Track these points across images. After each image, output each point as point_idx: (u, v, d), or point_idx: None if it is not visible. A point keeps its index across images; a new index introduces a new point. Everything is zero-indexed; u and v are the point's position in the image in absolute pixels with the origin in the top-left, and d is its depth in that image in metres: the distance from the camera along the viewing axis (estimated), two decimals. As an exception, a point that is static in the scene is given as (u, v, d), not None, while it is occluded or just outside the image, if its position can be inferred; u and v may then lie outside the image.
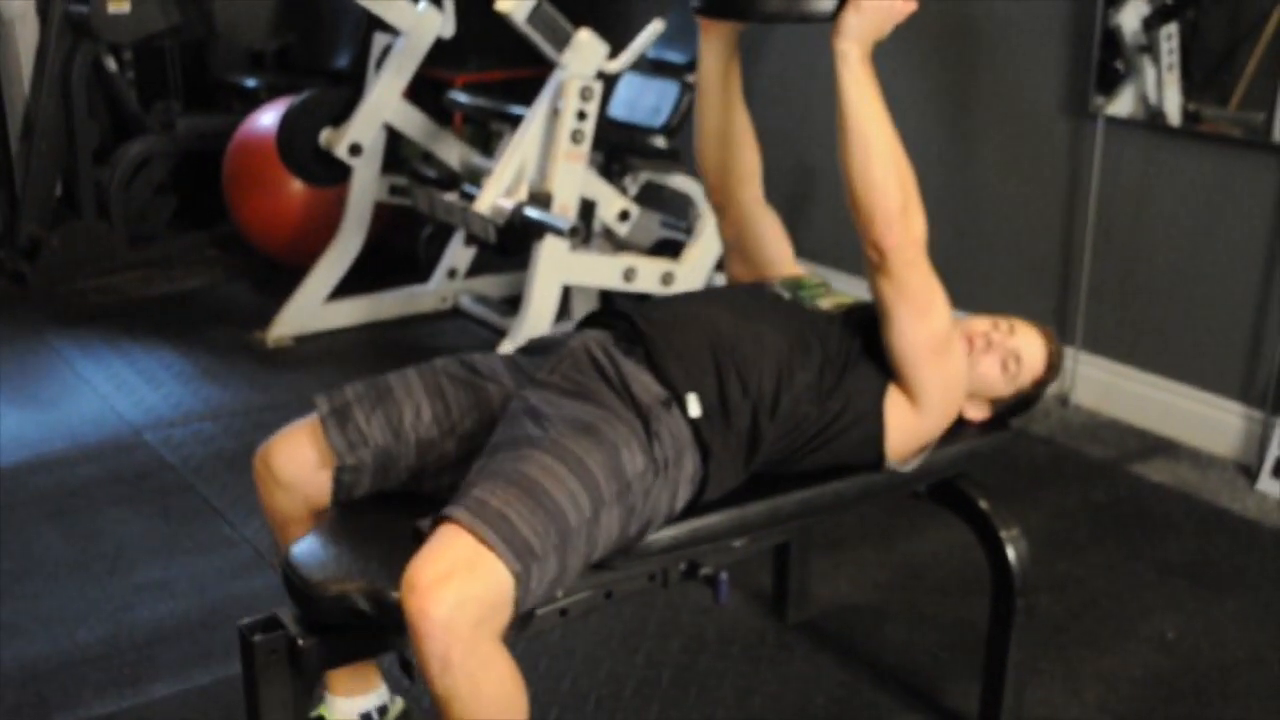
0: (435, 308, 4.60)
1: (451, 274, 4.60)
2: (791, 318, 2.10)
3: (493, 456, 1.80)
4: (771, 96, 4.75)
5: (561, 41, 3.49)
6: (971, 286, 4.16)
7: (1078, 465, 3.56)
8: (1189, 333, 3.66)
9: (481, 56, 5.45)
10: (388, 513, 2.00)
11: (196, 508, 3.19)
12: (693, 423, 1.94)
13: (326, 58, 5.49)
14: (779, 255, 2.37)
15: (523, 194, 3.47)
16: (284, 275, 4.57)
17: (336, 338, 4.39)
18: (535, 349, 2.12)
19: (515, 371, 2.06)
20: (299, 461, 1.99)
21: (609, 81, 3.89)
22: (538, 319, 3.52)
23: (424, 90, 5.05)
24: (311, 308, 4.35)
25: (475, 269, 4.65)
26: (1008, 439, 2.38)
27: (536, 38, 3.44)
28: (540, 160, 3.53)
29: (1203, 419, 3.63)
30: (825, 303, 2.20)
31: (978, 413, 2.27)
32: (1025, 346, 2.28)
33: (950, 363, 2.11)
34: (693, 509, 2.00)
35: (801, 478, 2.12)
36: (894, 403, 2.07)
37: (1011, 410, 2.33)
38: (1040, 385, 2.31)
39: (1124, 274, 3.78)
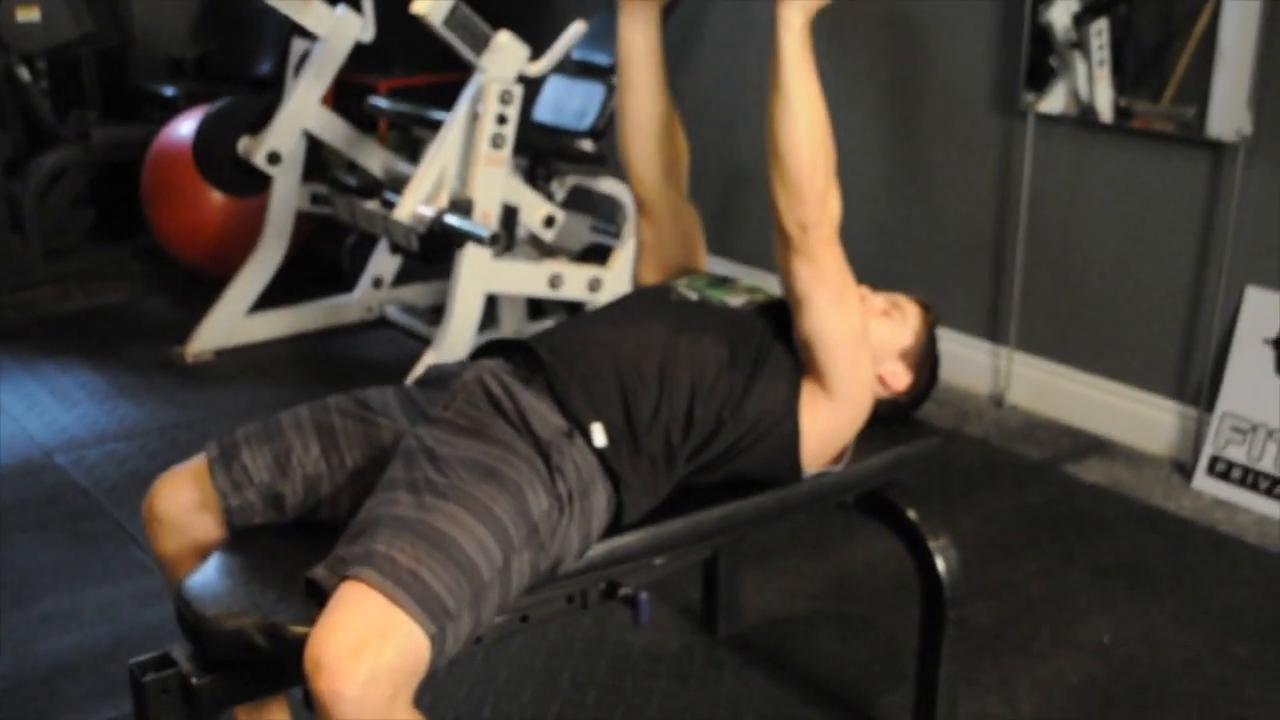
0: (361, 318, 4.50)
1: (377, 283, 4.50)
2: (700, 321, 2.03)
3: (392, 499, 1.71)
4: (701, 96, 4.68)
5: (480, 44, 3.40)
6: (901, 285, 4.09)
7: (1012, 466, 3.51)
8: (1122, 330, 3.62)
9: (407, 60, 5.35)
10: (284, 542, 1.91)
11: (108, 532, 3.08)
12: (599, 452, 1.86)
13: (247, 64, 5.37)
14: (694, 256, 2.30)
15: (443, 201, 3.39)
16: (205, 288, 4.45)
17: (259, 351, 4.28)
18: (431, 381, 2.04)
19: (408, 406, 1.98)
20: (183, 504, 1.93)
21: (531, 85, 3.81)
22: (461, 329, 3.43)
23: (348, 96, 4.96)
24: (232, 321, 4.23)
25: (401, 278, 4.55)
26: (935, 445, 2.33)
27: (454, 40, 3.36)
28: (461, 166, 3.44)
29: (1137, 417, 3.59)
30: (734, 299, 2.13)
31: (900, 379, 2.20)
32: (893, 295, 2.26)
33: (864, 355, 2.05)
34: (610, 530, 1.93)
35: (723, 490, 2.05)
36: (809, 400, 2.00)
37: (926, 359, 2.25)
38: (929, 323, 2.27)
39: (1057, 272, 3.74)
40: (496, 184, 3.40)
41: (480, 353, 2.07)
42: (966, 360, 3.94)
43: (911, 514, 2.28)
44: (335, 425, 1.95)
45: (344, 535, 1.71)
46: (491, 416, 1.86)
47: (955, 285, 4.02)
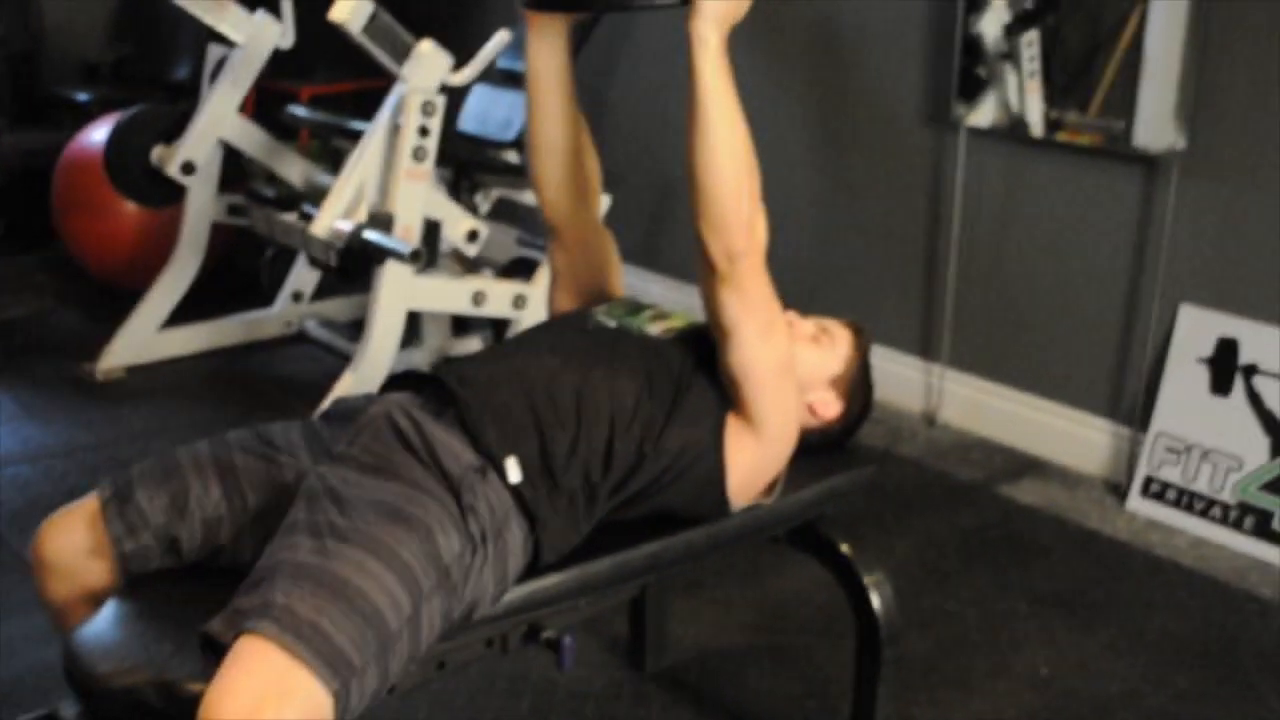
0: (280, 333, 4.36)
1: (296, 297, 4.37)
2: (618, 351, 1.94)
3: (292, 544, 1.61)
4: (629, 105, 4.60)
5: (401, 53, 3.29)
6: (832, 301, 4.04)
7: (946, 488, 3.45)
8: (1056, 348, 3.57)
9: (330, 66, 5.22)
10: (182, 589, 1.80)
11: (6, 563, 2.93)
12: (513, 489, 1.77)
13: (165, 69, 5.22)
14: (611, 282, 2.20)
15: (362, 215, 3.27)
16: (119, 301, 4.28)
17: (173, 368, 4.13)
18: (337, 415, 1.93)
19: (313, 443, 1.87)
20: (74, 548, 1.82)
21: (455, 94, 3.70)
22: (381, 348, 3.31)
23: (270, 103, 4.82)
24: (145, 336, 4.09)
25: (321, 291, 4.42)
26: (869, 475, 2.25)
27: (374, 49, 3.24)
28: (381, 179, 3.32)
29: (1071, 437, 3.54)
30: (654, 327, 2.04)
31: (830, 408, 2.12)
32: (823, 320, 2.18)
33: (790, 387, 1.97)
34: (530, 571, 1.83)
35: (649, 525, 1.96)
36: (733, 433, 1.92)
37: (858, 388, 2.18)
38: (861, 348, 2.18)
39: (989, 288, 3.69)
40: (418, 198, 3.29)
41: (389, 386, 1.96)
42: (898, 378, 3.88)
43: (845, 548, 2.21)
44: (237, 463, 1.85)
45: (243, 584, 1.61)
46: (399, 453, 1.76)
47: (886, 301, 3.96)
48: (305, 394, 3.69)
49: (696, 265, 1.87)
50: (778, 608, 2.84)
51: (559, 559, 1.84)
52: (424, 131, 3.27)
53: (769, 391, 1.90)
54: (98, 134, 4.38)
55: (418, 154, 3.27)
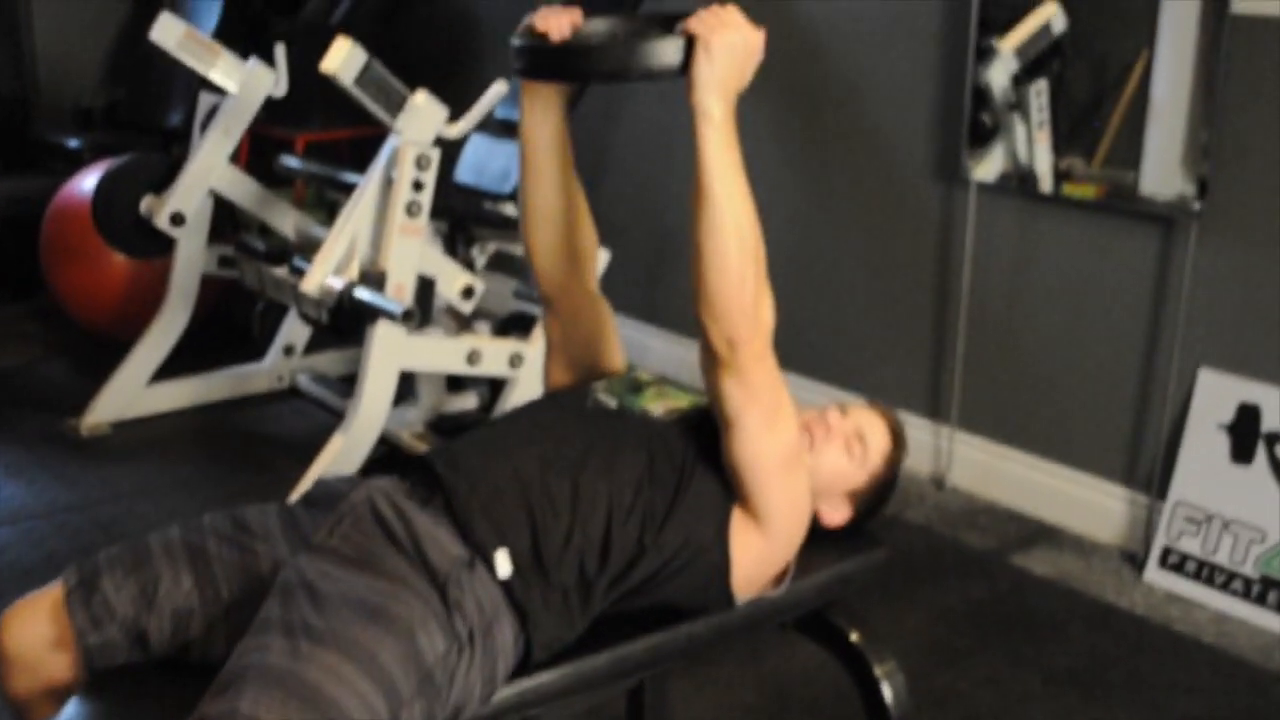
0: (271, 387, 4.25)
1: (288, 351, 4.26)
2: (620, 435, 1.83)
3: (263, 644, 1.50)
4: (629, 156, 4.51)
5: (395, 105, 3.19)
6: (839, 363, 3.95)
7: (956, 557, 3.33)
8: (1069, 411, 3.46)
9: (326, 113, 5.11)
10: (148, 688, 1.70)
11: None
12: (503, 584, 1.66)
13: (158, 115, 5.12)
14: (609, 355, 2.08)
15: (354, 272, 3.16)
16: (108, 352, 4.16)
17: (160, 424, 4.02)
18: (317, 499, 1.82)
19: (291, 529, 1.76)
20: (36, 640, 1.71)
21: (452, 145, 3.61)
22: (373, 409, 3.20)
23: (265, 150, 4.73)
24: (132, 391, 3.97)
25: (314, 344, 4.31)
26: (879, 560, 2.14)
27: (367, 101, 3.15)
28: (374, 234, 3.22)
29: (1085, 503, 3.43)
30: (657, 406, 1.93)
31: (837, 514, 2.01)
32: (864, 424, 2.01)
33: (799, 478, 1.85)
34: (521, 669, 1.72)
35: (648, 617, 1.85)
36: (739, 528, 1.81)
37: (873, 502, 2.05)
38: (893, 464, 2.03)
39: (1000, 348, 3.58)
40: (411, 255, 3.19)
41: (372, 468, 1.85)
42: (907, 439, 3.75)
43: (855, 636, 2.09)
44: (209, 551, 1.74)
45: (212, 686, 1.50)
46: (382, 544, 1.65)
47: (894, 359, 3.85)
48: (296, 452, 3.58)
49: (700, 349, 1.76)
50: (781, 689, 2.72)
51: (552, 655, 1.73)
52: (418, 186, 3.17)
53: (775, 485, 1.79)
54: (87, 182, 4.28)
55: (411, 209, 3.17)
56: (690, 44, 1.66)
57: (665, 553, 1.76)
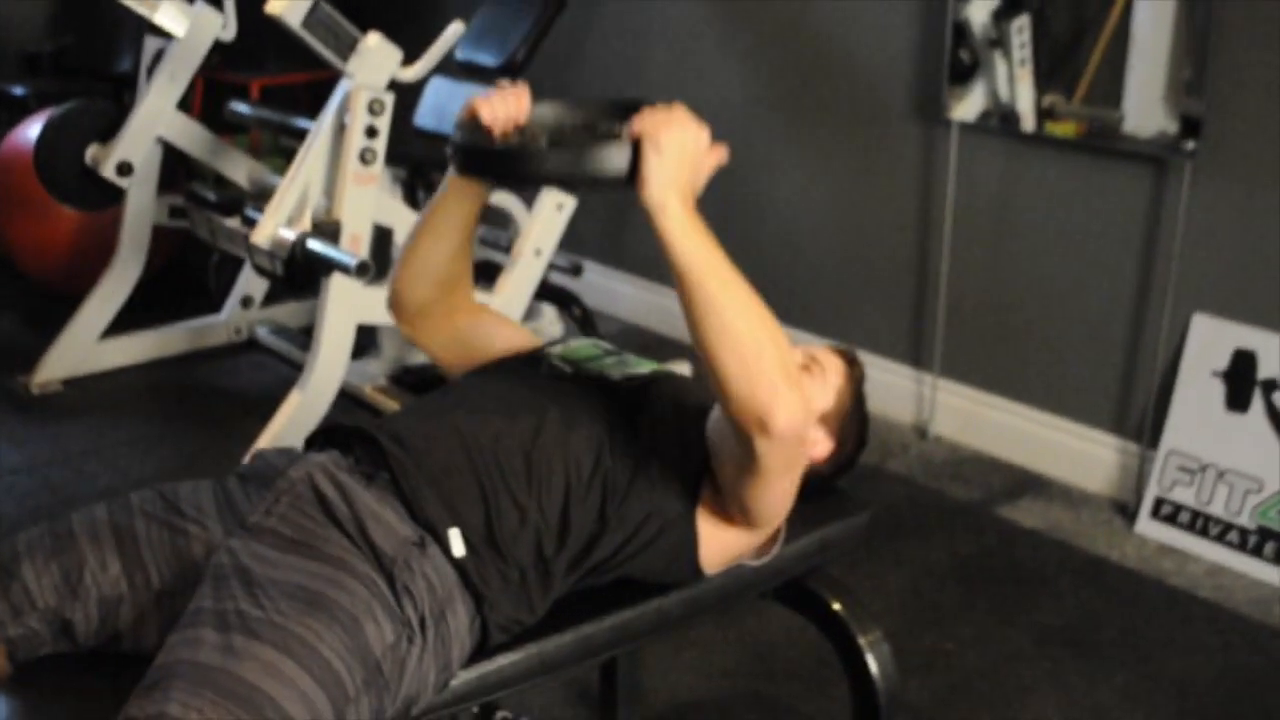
0: (229, 340, 4.10)
1: (246, 302, 4.10)
2: (575, 402, 1.69)
3: (195, 638, 1.37)
4: (598, 80, 4.34)
5: (346, 47, 3.02)
6: (818, 308, 3.81)
7: (940, 509, 3.21)
8: (1057, 358, 3.34)
9: (282, 57, 4.93)
10: (75, 681, 1.56)
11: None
12: (457, 564, 1.52)
13: (107, 60, 4.93)
14: (516, 342, 1.93)
15: (306, 223, 3.01)
16: (62, 308, 3.98)
17: (114, 380, 3.86)
18: (253, 475, 1.68)
19: (226, 508, 1.62)
20: None
21: (410, 88, 3.44)
22: (330, 365, 3.05)
23: (220, 96, 4.55)
24: (83, 347, 3.82)
25: (273, 296, 4.15)
26: (862, 524, 2.02)
27: (315, 43, 2.98)
28: (327, 183, 3.06)
29: (1073, 452, 3.31)
30: (616, 373, 1.79)
31: (819, 446, 1.86)
32: (809, 349, 1.89)
33: (796, 477, 1.70)
34: (480, 652, 1.59)
35: (615, 592, 1.72)
36: (711, 507, 1.68)
37: (850, 427, 1.91)
38: (855, 381, 1.90)
39: (985, 293, 3.45)
40: (367, 204, 3.03)
41: (314, 441, 1.71)
42: (888, 387, 3.64)
43: (837, 605, 1.96)
44: (138, 533, 1.59)
45: (139, 685, 1.36)
46: (323, 525, 1.51)
47: (875, 306, 3.72)
48: (255, 408, 3.44)
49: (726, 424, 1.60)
50: (761, 652, 2.60)
51: (512, 638, 1.61)
52: (372, 132, 3.01)
53: (773, 494, 1.65)
54: (31, 131, 4.09)
55: (365, 156, 3.01)
56: (638, 146, 1.53)
57: (627, 527, 1.63)
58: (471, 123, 1.65)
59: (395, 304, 1.90)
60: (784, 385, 1.49)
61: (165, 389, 3.85)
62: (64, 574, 1.56)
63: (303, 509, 1.52)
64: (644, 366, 1.85)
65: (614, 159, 1.53)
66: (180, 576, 1.56)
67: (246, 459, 1.76)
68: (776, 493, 1.65)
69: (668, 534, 1.66)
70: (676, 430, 1.70)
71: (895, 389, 3.66)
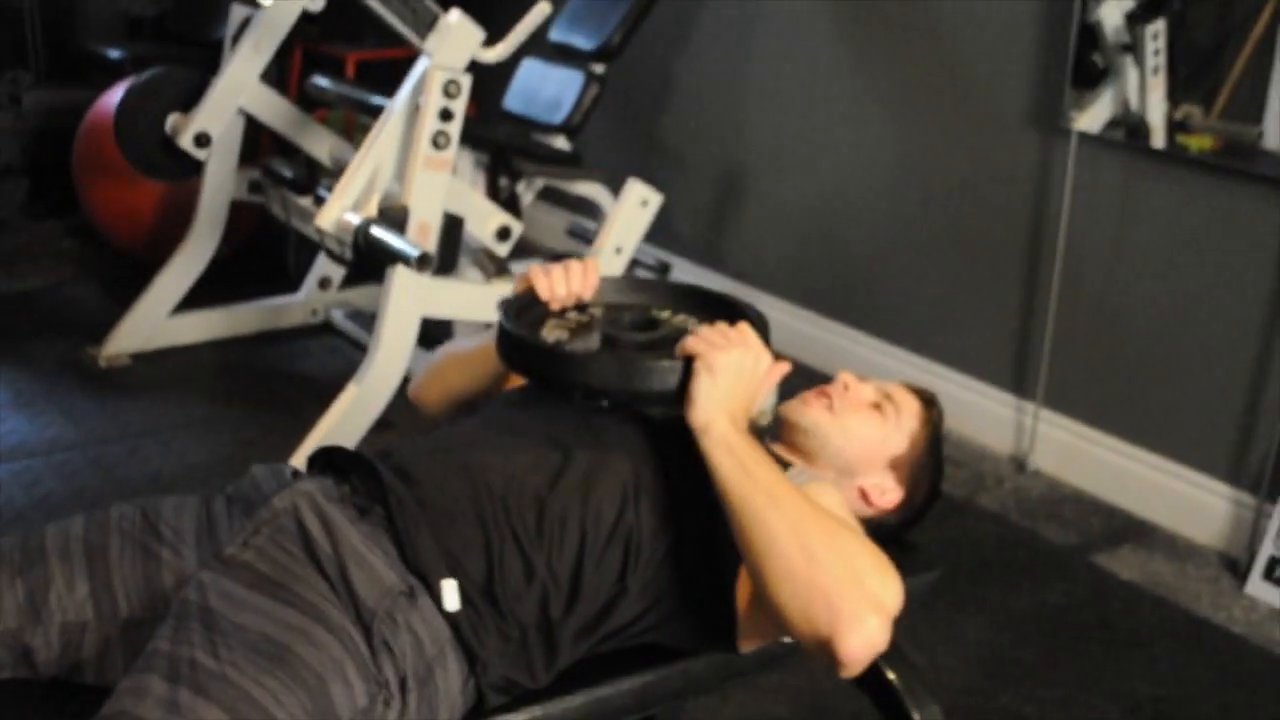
0: (304, 321, 3.99)
1: (324, 284, 3.98)
2: (608, 444, 1.50)
3: (142, 687, 1.24)
4: (695, 84, 4.14)
5: (425, 24, 2.87)
6: (915, 327, 3.59)
7: (1032, 552, 2.98)
8: (1170, 395, 3.07)
9: (380, 30, 4.78)
10: (33, 713, 1.42)
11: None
12: (449, 617, 1.35)
13: (206, 26, 4.84)
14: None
15: (372, 208, 2.86)
16: (144, 279, 3.86)
17: (183, 357, 3.77)
18: (242, 496, 1.52)
19: (206, 533, 1.47)
20: None
21: (502, 70, 3.29)
22: (391, 361, 2.90)
23: (315, 68, 4.45)
24: (155, 321, 3.72)
25: (352, 278, 4.02)
26: (929, 584, 1.80)
27: (391, 18, 2.83)
28: (397, 167, 2.91)
29: (1182, 499, 3.05)
30: (657, 409, 1.61)
31: (886, 495, 1.68)
32: (883, 385, 1.71)
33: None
34: (475, 715, 1.42)
35: (635, 649, 1.53)
36: (750, 591, 1.48)
37: (923, 472, 1.71)
38: (930, 424, 1.70)
39: (1096, 320, 3.19)
40: (437, 191, 2.88)
41: (315, 461, 1.55)
42: (986, 414, 3.40)
43: (891, 676, 1.75)
44: (110, 555, 1.45)
45: (83, 731, 1.22)
46: (302, 564, 1.35)
47: (977, 326, 3.48)
48: (323, 393, 3.29)
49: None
50: (818, 700, 2.40)
51: (512, 699, 1.43)
52: (446, 115, 2.85)
53: None
54: (117, 96, 4.01)
55: (438, 140, 2.85)
56: (690, 364, 1.43)
57: (650, 594, 1.44)
58: (525, 298, 1.57)
59: (412, 398, 1.83)
60: (851, 605, 1.28)
61: (233, 369, 3.74)
62: (29, 593, 1.42)
63: (282, 543, 1.36)
64: None
65: (663, 380, 1.44)
66: (148, 606, 1.42)
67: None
68: None
69: (698, 606, 1.47)
70: None
71: (994, 416, 3.42)
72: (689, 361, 1.42)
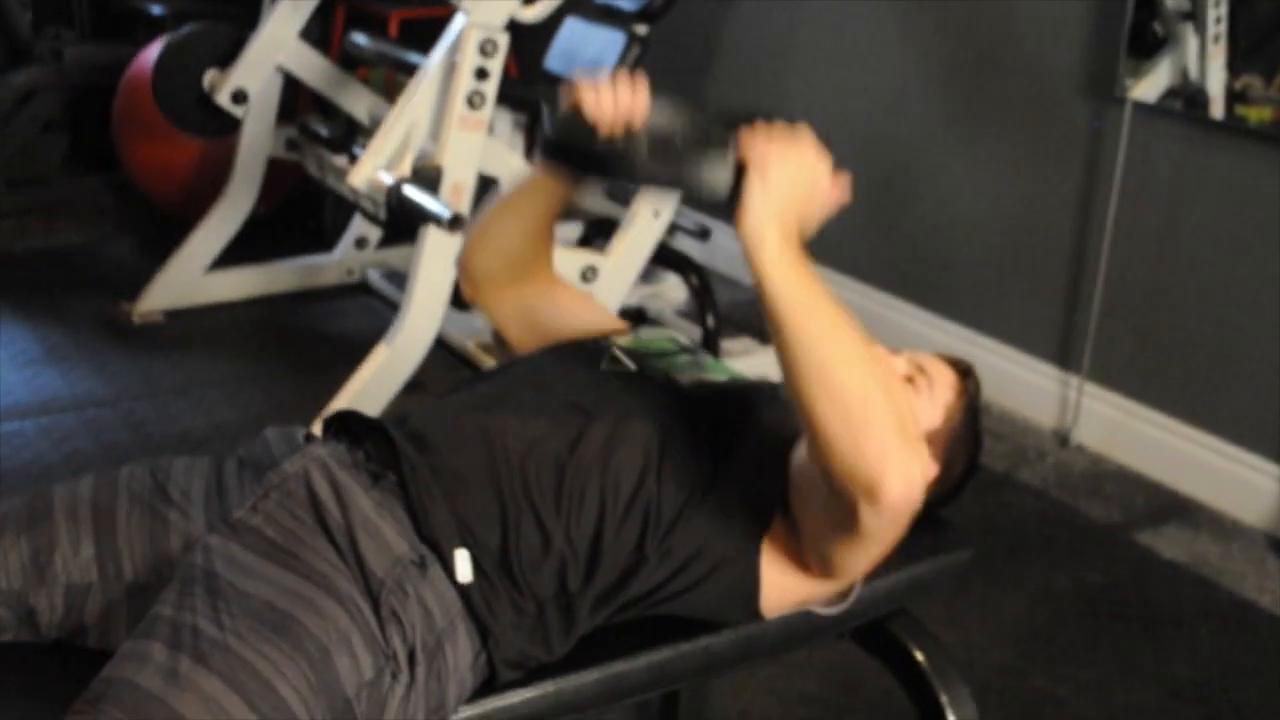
0: (340, 281, 3.96)
1: (360, 243, 3.95)
2: (630, 409, 1.45)
3: (143, 654, 1.21)
4: (744, 48, 4.07)
5: (463, -19, 2.82)
6: (959, 294, 3.51)
7: (1073, 528, 2.91)
8: (1220, 371, 2.99)
9: (426, -14, 4.76)
10: (35, 676, 1.40)
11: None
12: (461, 589, 1.31)
13: (250, -19, 4.80)
14: (593, 320, 1.72)
15: (405, 168, 2.82)
16: (182, 235, 3.85)
17: (217, 314, 3.75)
18: (253, 459, 1.48)
19: (215, 496, 1.44)
20: None
21: (544, 28, 3.24)
22: (423, 322, 2.87)
23: (360, 26, 4.41)
24: (189, 278, 3.71)
25: (390, 238, 3.98)
26: (960, 563, 1.75)
27: (428, -26, 2.78)
28: (432, 126, 2.86)
29: (1229, 478, 2.97)
30: (686, 378, 1.56)
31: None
32: (921, 356, 1.61)
33: (904, 526, 1.43)
34: (486, 687, 1.38)
35: (653, 624, 1.49)
36: (779, 550, 1.43)
37: (960, 445, 1.62)
38: (966, 395, 1.61)
39: (1146, 293, 3.11)
40: (472, 151, 2.83)
41: (329, 426, 1.51)
42: (1029, 386, 3.33)
43: (919, 655, 1.71)
44: (118, 516, 1.42)
45: (82, 694, 1.20)
46: (311, 532, 1.31)
47: (1022, 296, 3.40)
48: (357, 353, 3.25)
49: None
50: (849, 680, 2.35)
51: (525, 674, 1.39)
52: (482, 74, 2.80)
53: (869, 555, 1.41)
54: (154, 52, 3.98)
55: (473, 100, 2.80)
56: (742, 171, 1.32)
57: (672, 563, 1.39)
58: (571, 115, 1.42)
59: (461, 269, 1.71)
60: (899, 448, 1.24)
61: (267, 328, 3.72)
62: (33, 553, 1.39)
63: (292, 509, 1.32)
64: (721, 373, 1.62)
65: (713, 180, 1.33)
66: (153, 570, 1.39)
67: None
68: (874, 554, 1.40)
69: (721, 574, 1.42)
70: (750, 454, 1.45)
71: (1037, 389, 3.34)
72: (741, 168, 1.32)
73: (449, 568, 1.32)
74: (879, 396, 1.25)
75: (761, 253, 1.28)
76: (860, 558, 1.40)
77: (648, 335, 1.68)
